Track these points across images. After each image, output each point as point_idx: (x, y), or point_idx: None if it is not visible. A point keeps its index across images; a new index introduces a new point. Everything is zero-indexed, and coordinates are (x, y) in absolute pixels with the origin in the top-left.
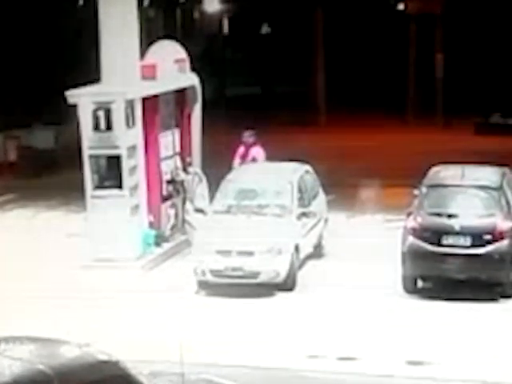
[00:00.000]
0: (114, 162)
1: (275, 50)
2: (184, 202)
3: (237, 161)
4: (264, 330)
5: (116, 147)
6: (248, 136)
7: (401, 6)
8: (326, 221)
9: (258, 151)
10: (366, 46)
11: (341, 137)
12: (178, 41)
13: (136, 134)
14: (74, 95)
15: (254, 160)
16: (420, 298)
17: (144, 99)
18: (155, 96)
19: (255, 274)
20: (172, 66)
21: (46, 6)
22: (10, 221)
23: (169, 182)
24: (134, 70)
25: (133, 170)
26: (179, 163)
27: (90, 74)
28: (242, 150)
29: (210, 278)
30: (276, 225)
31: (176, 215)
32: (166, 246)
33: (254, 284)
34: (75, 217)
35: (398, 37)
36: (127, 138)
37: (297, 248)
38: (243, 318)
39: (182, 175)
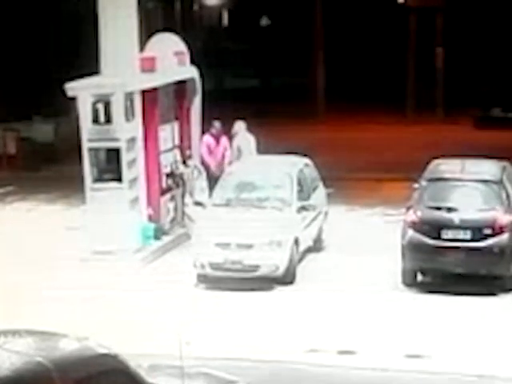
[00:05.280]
0: (114, 154)
1: (275, 43)
2: (183, 195)
3: (206, 151)
4: (263, 324)
5: (115, 140)
6: (218, 126)
7: None
8: (326, 214)
9: (226, 140)
10: (365, 38)
11: (340, 130)
12: (177, 33)
13: (135, 127)
14: (73, 88)
15: (225, 149)
16: (419, 291)
17: (143, 92)
18: (155, 89)
19: (254, 268)
20: (171, 59)
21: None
22: (10, 213)
23: (168, 175)
24: (133, 63)
25: (132, 162)
26: (179, 156)
27: (89, 66)
28: (210, 140)
29: (209, 271)
30: (275, 218)
31: (175, 208)
32: (165, 239)
33: (253, 277)
34: (74, 210)
35: (398, 29)
36: (126, 130)
37: (296, 241)
38: (242, 311)
39: (181, 168)
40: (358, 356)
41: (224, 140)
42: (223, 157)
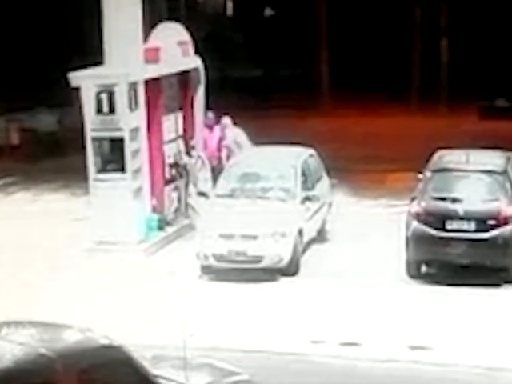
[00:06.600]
0: (117, 144)
1: (278, 33)
2: (187, 186)
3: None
4: (267, 315)
5: (119, 130)
6: (211, 117)
7: None
8: (330, 205)
9: (220, 130)
10: (370, 29)
11: (344, 121)
12: (181, 23)
13: (139, 117)
14: (76, 77)
15: (220, 139)
16: (423, 283)
17: (147, 82)
18: (158, 79)
19: (258, 259)
20: (175, 49)
21: None
22: (13, 204)
23: (172, 166)
24: (137, 53)
25: (135, 153)
26: (182, 146)
27: (93, 56)
28: (206, 131)
29: (212, 262)
30: (279, 209)
31: (179, 199)
32: (168, 229)
33: (257, 268)
34: (78, 200)
35: (402, 20)
36: (130, 120)
37: (300, 232)
38: (246, 302)
39: (185, 158)
40: (362, 347)
41: (218, 130)
42: (218, 148)
